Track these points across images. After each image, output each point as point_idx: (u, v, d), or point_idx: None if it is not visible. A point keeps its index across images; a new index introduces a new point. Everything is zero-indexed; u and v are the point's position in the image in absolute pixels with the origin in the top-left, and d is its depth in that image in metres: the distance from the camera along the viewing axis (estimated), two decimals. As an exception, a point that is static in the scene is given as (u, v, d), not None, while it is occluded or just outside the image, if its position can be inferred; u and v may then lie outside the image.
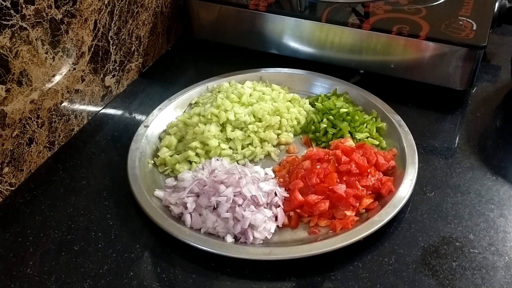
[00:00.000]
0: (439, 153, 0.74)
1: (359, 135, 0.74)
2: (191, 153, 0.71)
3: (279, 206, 0.64)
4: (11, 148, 0.67)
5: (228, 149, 0.72)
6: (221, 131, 0.73)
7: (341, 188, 0.63)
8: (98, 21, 0.76)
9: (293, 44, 0.88)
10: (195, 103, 0.81)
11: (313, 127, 0.76)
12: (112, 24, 0.79)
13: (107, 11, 0.78)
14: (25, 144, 0.69)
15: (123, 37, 0.83)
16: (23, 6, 0.63)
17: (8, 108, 0.65)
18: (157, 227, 0.62)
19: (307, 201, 0.63)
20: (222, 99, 0.75)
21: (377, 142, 0.74)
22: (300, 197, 0.64)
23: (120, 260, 0.60)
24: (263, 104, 0.76)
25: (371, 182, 0.65)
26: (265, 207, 0.63)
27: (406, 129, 0.73)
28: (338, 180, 0.64)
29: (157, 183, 0.69)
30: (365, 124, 0.75)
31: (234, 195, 0.62)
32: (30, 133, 0.69)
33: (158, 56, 0.95)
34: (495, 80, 0.89)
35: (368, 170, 0.66)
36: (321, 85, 0.84)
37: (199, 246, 0.59)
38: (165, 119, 0.78)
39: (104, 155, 0.75)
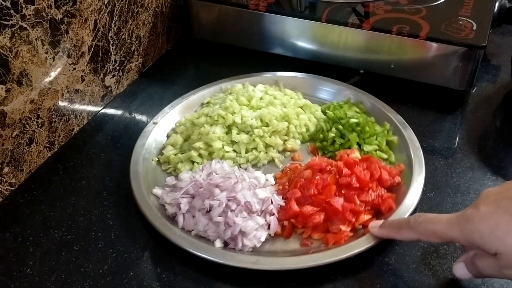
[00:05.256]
0: (439, 153, 0.74)
1: (367, 147, 0.71)
2: (193, 153, 0.71)
3: (273, 214, 0.62)
4: (11, 148, 0.67)
5: (231, 152, 0.71)
6: (227, 133, 0.72)
7: (338, 202, 0.61)
8: (98, 21, 0.76)
9: (293, 44, 0.88)
10: (207, 103, 0.81)
11: (321, 136, 0.74)
12: (112, 24, 0.80)
13: (107, 11, 0.78)
14: (25, 144, 0.69)
15: (123, 37, 0.83)
16: (23, 6, 0.63)
17: (8, 108, 0.65)
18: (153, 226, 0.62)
19: (302, 212, 0.61)
20: (231, 101, 0.74)
21: (386, 156, 0.71)
22: (295, 207, 0.61)
23: (120, 260, 0.60)
24: (271, 108, 0.74)
25: (371, 198, 0.62)
26: (258, 215, 0.62)
27: (417, 144, 0.71)
28: (336, 193, 0.62)
29: (158, 181, 0.69)
30: (375, 136, 0.72)
31: (228, 200, 0.61)
32: (30, 133, 0.69)
33: (158, 56, 0.95)
34: (495, 80, 0.89)
35: (370, 185, 0.63)
36: (338, 92, 0.81)
37: (186, 248, 0.58)
38: (175, 117, 0.78)
39: (104, 155, 0.75)
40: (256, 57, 0.91)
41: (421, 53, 0.80)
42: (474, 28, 0.79)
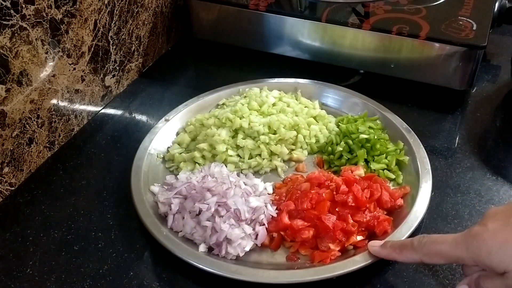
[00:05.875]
0: (439, 153, 0.74)
1: (374, 165, 0.68)
2: (197, 154, 0.70)
3: (263, 224, 0.61)
4: (11, 148, 0.67)
5: (235, 156, 0.70)
6: (233, 137, 0.72)
7: (330, 219, 0.59)
8: (98, 21, 0.76)
9: (293, 44, 0.88)
10: (222, 104, 0.80)
11: (330, 149, 0.72)
12: (112, 24, 0.79)
13: (107, 11, 0.78)
14: (25, 144, 0.69)
15: (123, 37, 0.83)
16: (23, 6, 0.63)
17: (8, 108, 0.65)
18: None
19: (291, 226, 0.60)
20: (243, 104, 0.74)
21: (393, 176, 0.68)
22: (286, 219, 0.60)
23: (120, 260, 0.60)
24: (282, 116, 0.73)
25: (366, 219, 0.60)
26: (247, 223, 0.60)
27: (428, 166, 0.67)
28: (330, 210, 0.60)
29: (159, 179, 0.69)
30: (384, 155, 0.69)
31: (219, 205, 0.60)
32: (30, 133, 0.69)
33: (158, 56, 0.95)
34: (495, 80, 0.89)
35: (367, 205, 0.61)
36: (359, 105, 0.79)
37: (169, 249, 0.58)
38: (188, 116, 0.77)
39: (104, 155, 0.75)
40: (256, 57, 0.91)
41: (421, 53, 0.80)
42: (474, 28, 0.79)
